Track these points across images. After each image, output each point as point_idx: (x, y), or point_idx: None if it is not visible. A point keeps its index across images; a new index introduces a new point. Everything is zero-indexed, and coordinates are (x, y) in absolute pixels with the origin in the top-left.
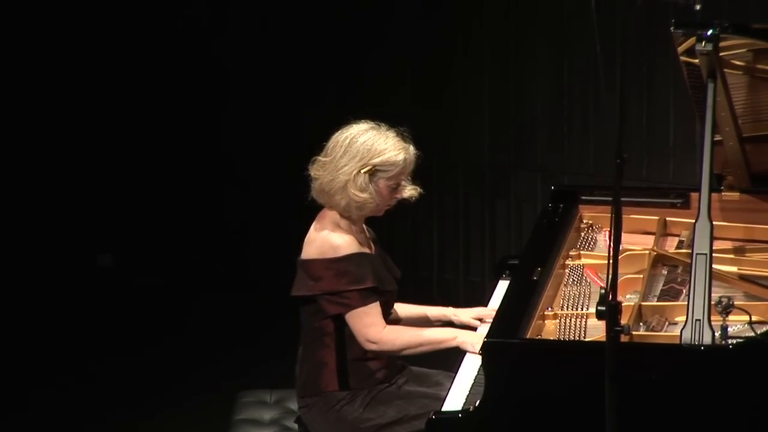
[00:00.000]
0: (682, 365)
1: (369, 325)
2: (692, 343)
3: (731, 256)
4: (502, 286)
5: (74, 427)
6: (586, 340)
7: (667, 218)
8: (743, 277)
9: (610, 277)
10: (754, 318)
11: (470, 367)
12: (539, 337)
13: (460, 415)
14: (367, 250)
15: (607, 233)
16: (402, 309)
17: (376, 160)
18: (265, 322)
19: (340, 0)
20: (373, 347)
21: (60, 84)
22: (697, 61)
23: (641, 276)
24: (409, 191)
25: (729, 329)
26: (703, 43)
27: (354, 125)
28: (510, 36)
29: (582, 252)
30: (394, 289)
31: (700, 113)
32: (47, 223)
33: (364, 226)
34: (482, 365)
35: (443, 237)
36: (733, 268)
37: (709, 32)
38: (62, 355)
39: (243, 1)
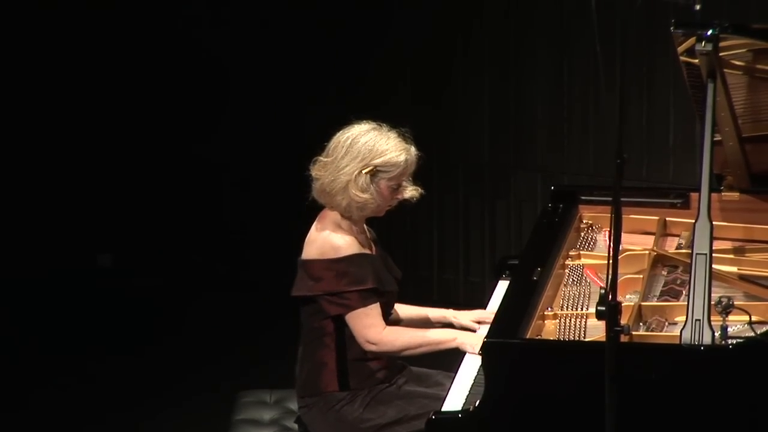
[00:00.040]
0: (682, 365)
1: (369, 326)
2: (692, 343)
3: (731, 256)
4: (502, 286)
5: (74, 427)
6: (586, 340)
7: (667, 218)
8: (743, 277)
9: (609, 277)
10: (754, 318)
11: (470, 367)
12: (539, 337)
13: (460, 415)
14: (367, 251)
15: (607, 233)
16: (402, 310)
17: (378, 161)
18: (265, 322)
19: (340, 0)
20: (372, 348)
21: (60, 84)
22: (697, 61)
23: (641, 276)
24: (410, 192)
25: (729, 329)
26: (703, 43)
27: (355, 125)
28: (510, 36)
29: (582, 252)
30: (394, 290)
31: (700, 113)
32: (47, 223)
33: (365, 226)
34: (482, 365)
35: (443, 237)
36: (733, 268)
37: (709, 32)
38: (62, 355)
39: (243, 1)
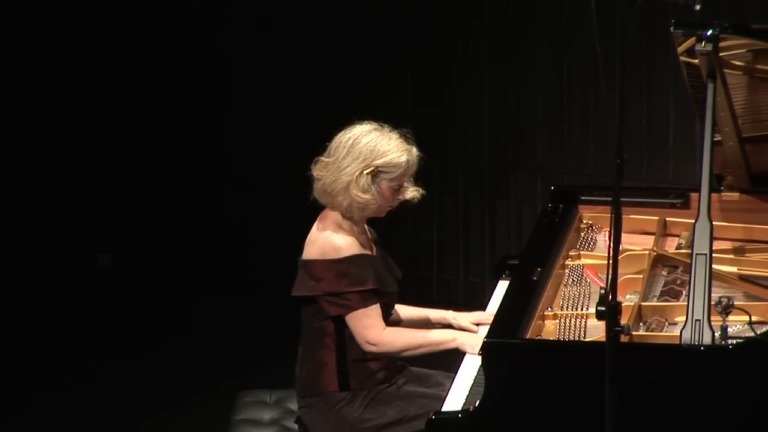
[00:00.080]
0: (682, 365)
1: (369, 326)
2: (692, 343)
3: (731, 256)
4: (502, 286)
5: (74, 427)
6: (586, 340)
7: (667, 218)
8: (743, 277)
9: (609, 277)
10: (754, 318)
11: (470, 367)
12: (539, 337)
13: (459, 416)
14: (368, 252)
15: (607, 233)
16: (403, 311)
17: (379, 162)
18: (265, 322)
19: (340, 1)
20: (372, 349)
21: (60, 84)
22: (696, 61)
23: (641, 276)
24: (412, 192)
25: (729, 329)
26: (703, 43)
27: (357, 126)
28: (510, 36)
29: (582, 252)
30: (395, 291)
31: (700, 113)
32: (47, 223)
33: (365, 226)
34: (482, 365)
35: (443, 237)
36: (733, 269)
37: (709, 32)
38: (62, 355)
39: (243, 0)
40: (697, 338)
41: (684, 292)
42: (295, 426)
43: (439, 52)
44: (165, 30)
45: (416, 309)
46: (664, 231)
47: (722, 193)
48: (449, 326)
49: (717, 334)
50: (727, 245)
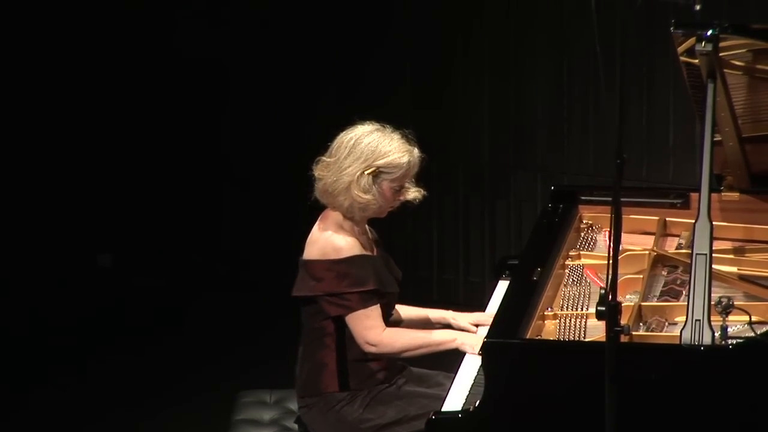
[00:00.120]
0: (682, 365)
1: (369, 327)
2: (692, 343)
3: (731, 256)
4: (502, 286)
5: (74, 427)
6: (586, 340)
7: (667, 218)
8: (743, 278)
9: (610, 277)
10: (754, 318)
11: (470, 367)
12: (539, 337)
13: (459, 416)
14: (369, 252)
15: (607, 233)
16: (403, 311)
17: (380, 162)
18: (265, 322)
19: (340, 1)
20: (372, 350)
21: (60, 84)
22: (696, 61)
23: (641, 276)
24: (413, 193)
25: (729, 329)
26: (703, 43)
27: (359, 126)
28: (510, 36)
29: (582, 252)
30: (395, 291)
31: (700, 113)
32: (47, 223)
33: (366, 227)
34: (482, 365)
35: (443, 237)
36: (733, 269)
37: (709, 32)
38: (62, 355)
39: (243, 1)
40: (697, 338)
41: (684, 292)
42: (295, 426)
43: (439, 52)
44: (165, 30)
45: (416, 309)
46: (664, 231)
47: (722, 193)
48: (449, 326)
49: (717, 334)
50: (727, 245)
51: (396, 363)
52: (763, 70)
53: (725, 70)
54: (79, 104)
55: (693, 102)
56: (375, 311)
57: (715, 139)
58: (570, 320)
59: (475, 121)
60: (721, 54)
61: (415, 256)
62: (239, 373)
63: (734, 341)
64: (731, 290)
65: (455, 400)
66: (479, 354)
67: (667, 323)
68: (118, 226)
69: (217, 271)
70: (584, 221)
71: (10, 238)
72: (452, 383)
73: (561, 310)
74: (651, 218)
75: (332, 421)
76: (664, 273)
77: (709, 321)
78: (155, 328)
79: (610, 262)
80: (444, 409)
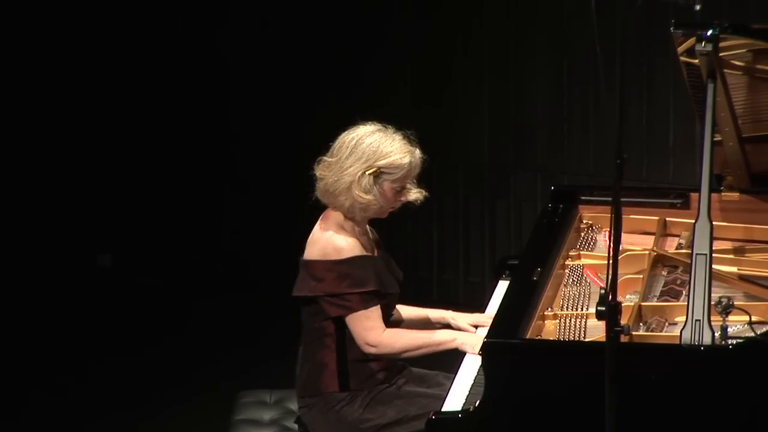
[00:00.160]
0: (682, 365)
1: (369, 328)
2: (692, 343)
3: (731, 256)
4: (502, 286)
5: (74, 427)
6: (586, 340)
7: (667, 218)
8: (743, 278)
9: (610, 277)
10: (754, 318)
11: (470, 367)
12: (539, 337)
13: (460, 416)
14: (370, 253)
15: (607, 233)
16: (403, 311)
17: (382, 162)
18: (265, 322)
19: (340, 1)
20: (372, 350)
21: (60, 84)
22: (696, 61)
23: (641, 276)
24: (415, 194)
25: (729, 329)
26: (703, 43)
27: (361, 126)
28: (510, 36)
29: (582, 252)
30: (396, 292)
31: (700, 113)
32: (47, 223)
33: (367, 227)
34: (482, 365)
35: (443, 237)
36: (733, 269)
37: (709, 32)
38: (62, 355)
39: (244, 0)
40: (697, 338)
41: (684, 292)
42: (295, 426)
43: (439, 52)
44: (165, 30)
45: (416, 309)
46: (664, 231)
47: (722, 193)
48: (448, 326)
49: (717, 334)
50: (727, 245)
51: (396, 363)
52: (763, 70)
53: (725, 70)
54: (79, 104)
55: (693, 102)
56: (375, 312)
57: (715, 139)
58: (570, 320)
59: (475, 121)
60: (721, 54)
61: (415, 256)
62: (239, 373)
63: (734, 341)
64: (731, 290)
65: (455, 400)
66: (479, 354)
67: (667, 323)
68: (118, 226)
69: (217, 271)
70: (584, 221)
71: (11, 238)
72: (452, 383)
73: (561, 310)
74: (651, 218)
75: (332, 421)
76: (664, 273)
77: (709, 321)
78: (155, 328)
79: (610, 262)
80: (444, 409)
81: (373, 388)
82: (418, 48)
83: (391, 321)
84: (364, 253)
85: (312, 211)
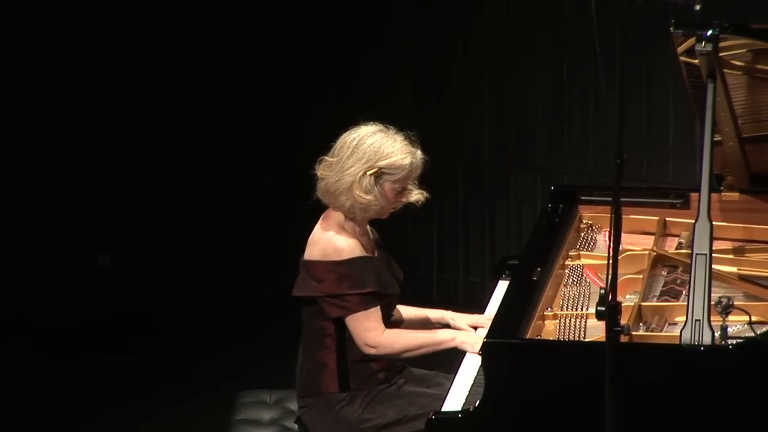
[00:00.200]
0: (682, 365)
1: (369, 329)
2: (692, 343)
3: (731, 256)
4: (502, 286)
5: (74, 427)
6: (586, 340)
7: (667, 218)
8: (743, 278)
9: (609, 277)
10: (753, 318)
11: (470, 367)
12: (539, 337)
13: (459, 416)
14: (370, 254)
15: (607, 233)
16: (403, 311)
17: (383, 163)
18: (265, 322)
19: (340, 1)
20: (372, 351)
21: (60, 84)
22: (696, 61)
23: (641, 276)
24: (416, 195)
25: (729, 329)
26: (703, 43)
27: (362, 127)
28: (510, 36)
29: (582, 252)
30: (396, 293)
31: (700, 113)
32: (47, 223)
33: (368, 227)
34: (482, 365)
35: (443, 237)
36: (733, 269)
37: (709, 32)
38: (62, 355)
39: (243, 1)
40: (697, 338)
41: (684, 292)
42: (295, 426)
43: (439, 52)
44: (165, 30)
45: (416, 309)
46: (664, 231)
47: (722, 193)
48: (447, 326)
49: (717, 334)
50: (727, 245)
51: (396, 363)
52: (763, 70)
53: (725, 70)
54: (79, 105)
55: (693, 102)
56: (375, 313)
57: (715, 139)
58: (570, 320)
59: (475, 121)
60: (721, 54)
61: (415, 256)
62: (239, 373)
63: (734, 341)
64: (731, 290)
65: (455, 400)
66: (479, 353)
67: (666, 323)
68: (118, 226)
69: (217, 271)
70: (584, 221)
71: (11, 239)
72: (452, 383)
73: (561, 310)
74: (651, 218)
75: (332, 421)
76: (664, 273)
77: (709, 321)
78: (155, 328)
79: (610, 262)
80: (444, 409)
81: (373, 388)
82: (418, 48)
83: (391, 321)
84: (365, 254)
85: (312, 211)
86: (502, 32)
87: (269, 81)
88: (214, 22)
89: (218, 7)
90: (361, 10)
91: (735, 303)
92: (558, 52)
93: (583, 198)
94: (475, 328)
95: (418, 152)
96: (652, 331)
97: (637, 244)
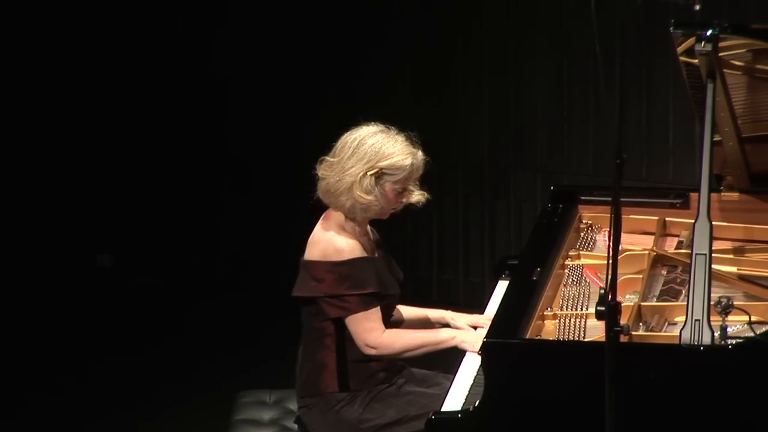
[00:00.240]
0: (682, 365)
1: (368, 330)
2: (692, 343)
3: (731, 256)
4: (502, 286)
5: (74, 427)
6: (586, 340)
7: (667, 218)
8: (743, 277)
9: (609, 277)
10: (753, 318)
11: (470, 367)
12: (539, 337)
13: (459, 415)
14: (370, 254)
15: (607, 233)
16: (403, 311)
17: (383, 163)
18: (265, 322)
19: (340, 1)
20: (372, 352)
21: (60, 84)
22: (696, 61)
23: (641, 276)
24: (417, 196)
25: (728, 329)
26: (703, 43)
27: (364, 127)
28: (510, 36)
29: (581, 252)
30: (396, 293)
31: (700, 113)
32: (47, 223)
33: (368, 228)
34: (481, 365)
35: (443, 237)
36: (733, 269)
37: (709, 32)
38: (62, 355)
39: (243, 1)
40: (696, 338)
41: (683, 292)
42: (295, 426)
43: (439, 52)
44: (165, 29)
45: (416, 309)
46: (663, 231)
47: (722, 193)
48: (447, 326)
49: (717, 334)
50: (726, 245)
51: (396, 363)
52: (762, 70)
53: (725, 70)
54: (79, 104)
55: (693, 102)
56: (375, 314)
57: (714, 139)
58: (570, 320)
59: (475, 121)
60: (720, 54)
61: (415, 256)
62: (239, 373)
63: (734, 341)
64: (731, 290)
65: (455, 400)
66: (479, 353)
67: (666, 323)
68: (118, 226)
69: (217, 271)
70: (584, 221)
71: (11, 239)
72: (452, 383)
73: (561, 310)
74: (651, 218)
75: (332, 421)
76: (664, 273)
77: (709, 321)
78: (155, 328)
79: (610, 262)
80: (444, 409)
81: (373, 388)
82: (418, 48)
83: (391, 321)
84: (365, 255)
85: (312, 211)
86: (502, 32)
87: (269, 81)
88: (214, 22)
89: (217, 8)
90: (361, 10)
91: (735, 303)
92: (558, 52)
93: (582, 198)
94: (475, 328)
95: (419, 153)
96: (651, 331)
97: (637, 244)
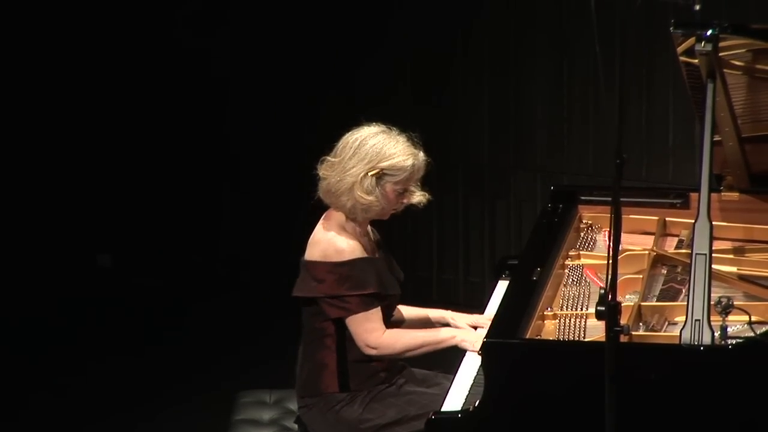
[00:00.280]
0: (682, 365)
1: (369, 330)
2: (692, 343)
3: (731, 256)
4: (502, 286)
5: (74, 427)
6: (586, 340)
7: (667, 218)
8: (743, 277)
9: (609, 277)
10: (753, 318)
11: (470, 367)
12: (539, 337)
13: (459, 415)
14: (371, 254)
15: (607, 233)
16: (403, 311)
17: (384, 164)
18: (265, 322)
19: (340, 0)
20: (372, 352)
21: (60, 84)
22: (696, 61)
23: (641, 276)
24: (418, 197)
25: (728, 329)
26: (703, 43)
27: (365, 127)
28: (510, 36)
29: (581, 252)
30: (397, 293)
31: (700, 113)
32: (47, 223)
33: (369, 228)
34: (482, 365)
35: (443, 237)
36: (733, 268)
37: (709, 32)
38: (62, 355)
39: (243, 1)
40: (696, 338)
41: (684, 292)
42: (295, 426)
43: (439, 52)
44: (165, 30)
45: (416, 309)
46: (663, 231)
47: (722, 193)
48: (447, 326)
49: (717, 334)
50: (727, 245)
51: (396, 363)
52: (762, 70)
53: (725, 70)
54: (79, 104)
55: (692, 102)
56: (375, 314)
57: (715, 139)
58: (570, 320)
59: (475, 121)
60: (720, 54)
61: (415, 256)
62: (239, 373)
63: (734, 341)
64: (731, 290)
65: (455, 400)
66: (479, 352)
67: (666, 323)
68: (118, 226)
69: (217, 271)
70: (584, 221)
71: (11, 239)
72: (452, 383)
73: (561, 310)
74: (651, 218)
75: (332, 421)
76: (664, 273)
77: (709, 321)
78: (155, 328)
79: (610, 262)
80: (444, 409)
81: (373, 388)
82: (418, 48)
83: (392, 321)
84: (365, 255)
85: (312, 211)
86: (502, 32)
87: (269, 81)
88: (214, 22)
89: (218, 8)
90: (361, 10)
91: (735, 303)
92: (558, 52)
93: (582, 198)
94: (475, 328)
95: (420, 154)
96: (651, 330)
97: (637, 243)
